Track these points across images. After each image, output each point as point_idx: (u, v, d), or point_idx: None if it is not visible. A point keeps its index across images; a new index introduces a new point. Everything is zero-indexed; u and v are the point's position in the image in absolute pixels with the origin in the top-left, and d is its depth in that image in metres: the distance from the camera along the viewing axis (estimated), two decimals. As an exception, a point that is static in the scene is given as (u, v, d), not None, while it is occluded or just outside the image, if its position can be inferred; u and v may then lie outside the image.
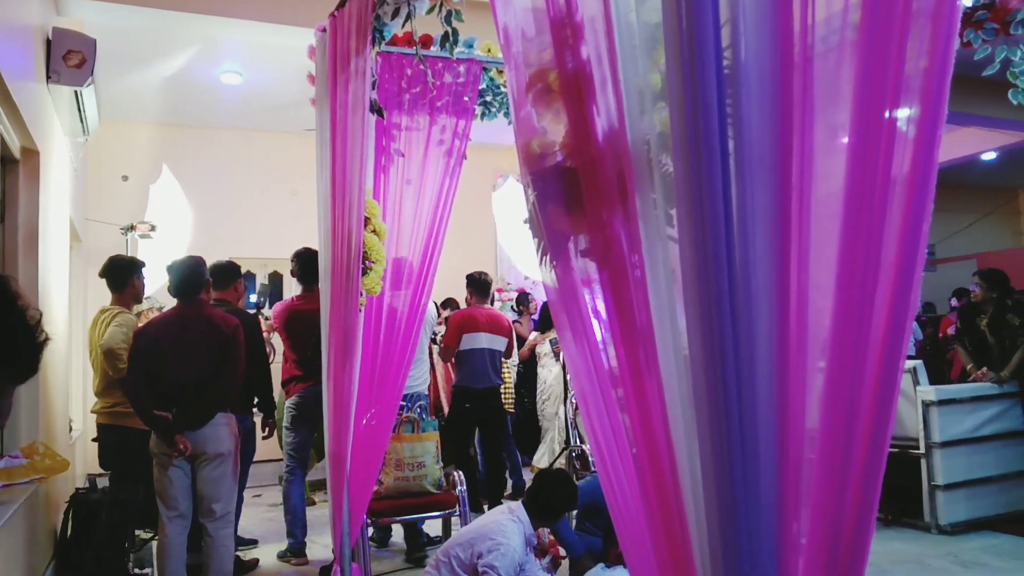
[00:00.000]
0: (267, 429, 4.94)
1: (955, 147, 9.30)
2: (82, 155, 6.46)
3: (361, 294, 2.98)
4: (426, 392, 4.98)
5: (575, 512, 4.20)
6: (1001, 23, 3.06)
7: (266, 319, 5.46)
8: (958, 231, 12.16)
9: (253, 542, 5.06)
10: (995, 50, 3.08)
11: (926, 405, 4.98)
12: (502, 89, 3.78)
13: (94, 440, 4.43)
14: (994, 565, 4.27)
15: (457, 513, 4.27)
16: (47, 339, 1.08)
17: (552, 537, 3.99)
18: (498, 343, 5.41)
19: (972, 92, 6.77)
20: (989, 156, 9.90)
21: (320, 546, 4.93)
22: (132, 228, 6.24)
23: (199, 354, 3.72)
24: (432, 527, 5.18)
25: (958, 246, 12.04)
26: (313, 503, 6.20)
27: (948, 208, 12.02)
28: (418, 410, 4.39)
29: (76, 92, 4.75)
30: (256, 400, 4.80)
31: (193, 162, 7.59)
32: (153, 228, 6.28)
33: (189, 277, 3.83)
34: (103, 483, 4.59)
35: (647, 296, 1.27)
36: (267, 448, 5.75)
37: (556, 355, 6.09)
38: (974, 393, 5.14)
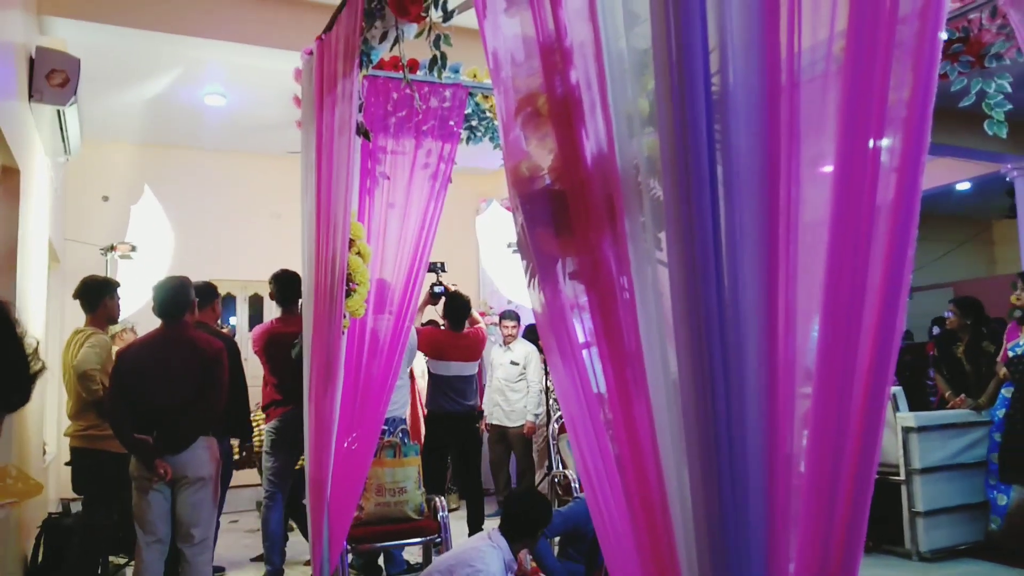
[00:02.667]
0: (243, 453, 4.87)
1: (931, 177, 9.44)
2: (63, 175, 6.41)
3: (344, 316, 2.96)
4: (405, 417, 4.92)
5: (558, 539, 4.17)
6: (976, 56, 3.14)
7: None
8: (934, 260, 12.32)
9: (220, 569, 4.96)
10: (971, 82, 3.15)
11: (906, 431, 5.01)
12: (488, 114, 3.80)
13: (67, 464, 4.34)
14: (975, 592, 4.28)
15: (439, 539, 4.22)
16: (43, 368, 1.06)
17: (534, 564, 3.95)
18: (468, 369, 5.37)
19: (948, 123, 6.90)
20: (964, 186, 10.06)
21: (298, 573, 4.85)
22: (112, 249, 6.18)
23: (182, 377, 3.67)
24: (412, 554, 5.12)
25: (934, 274, 12.19)
26: (292, 529, 6.10)
27: (924, 237, 12.18)
28: (400, 434, 4.34)
29: (59, 111, 4.73)
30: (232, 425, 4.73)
31: (175, 183, 7.54)
32: (133, 249, 6.22)
33: (174, 298, 3.78)
34: (77, 508, 4.50)
35: (636, 319, 1.28)
36: (245, 473, 5.67)
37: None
38: (953, 420, 5.18)
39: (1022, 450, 4.77)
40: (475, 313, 5.70)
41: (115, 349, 4.30)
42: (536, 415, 6.20)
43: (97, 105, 6.40)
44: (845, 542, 1.22)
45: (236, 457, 4.99)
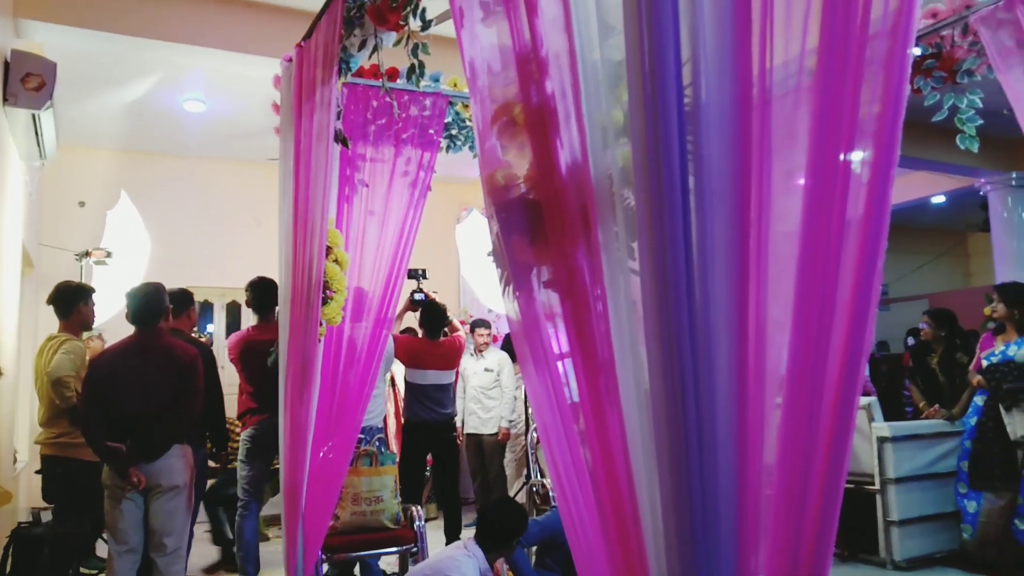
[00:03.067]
0: (219, 463, 4.82)
1: (906, 190, 9.58)
2: (38, 179, 6.34)
3: (321, 324, 2.94)
4: (381, 425, 4.89)
5: (535, 548, 4.16)
6: (948, 71, 3.20)
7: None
8: (910, 272, 12.48)
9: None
10: (943, 97, 3.20)
11: (881, 441, 5.05)
12: (467, 123, 3.81)
13: (38, 472, 4.27)
14: (947, 601, 4.32)
15: (415, 549, 4.19)
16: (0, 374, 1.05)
17: (511, 573, 3.93)
18: (445, 377, 5.36)
19: (922, 138, 7.02)
20: (939, 200, 10.21)
21: (273, 583, 4.80)
22: (87, 254, 6.11)
23: (157, 384, 3.63)
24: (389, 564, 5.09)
25: (911, 286, 12.35)
26: (267, 538, 6.04)
27: (901, 249, 12.36)
28: (377, 443, 4.32)
29: (34, 116, 4.68)
30: (208, 433, 4.68)
31: (153, 189, 7.48)
32: (109, 255, 6.15)
33: (148, 304, 3.73)
34: (47, 517, 4.43)
35: (608, 328, 1.28)
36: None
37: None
38: (927, 430, 5.23)
39: (992, 457, 4.83)
40: (455, 321, 5.69)
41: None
42: (510, 421, 6.20)
43: (75, 110, 6.34)
44: (814, 551, 1.23)
45: (215, 466, 4.93)
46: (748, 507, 1.19)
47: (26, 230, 5.54)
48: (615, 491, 1.28)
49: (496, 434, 6.15)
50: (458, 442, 5.78)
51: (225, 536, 5.33)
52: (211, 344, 6.09)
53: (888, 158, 1.33)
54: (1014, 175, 8.40)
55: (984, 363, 4.95)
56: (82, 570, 4.72)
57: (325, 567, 4.31)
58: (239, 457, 4.71)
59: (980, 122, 3.12)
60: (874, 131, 1.35)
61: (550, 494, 4.99)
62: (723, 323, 1.18)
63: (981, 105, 3.13)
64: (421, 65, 2.47)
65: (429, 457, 5.62)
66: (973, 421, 4.98)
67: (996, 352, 4.91)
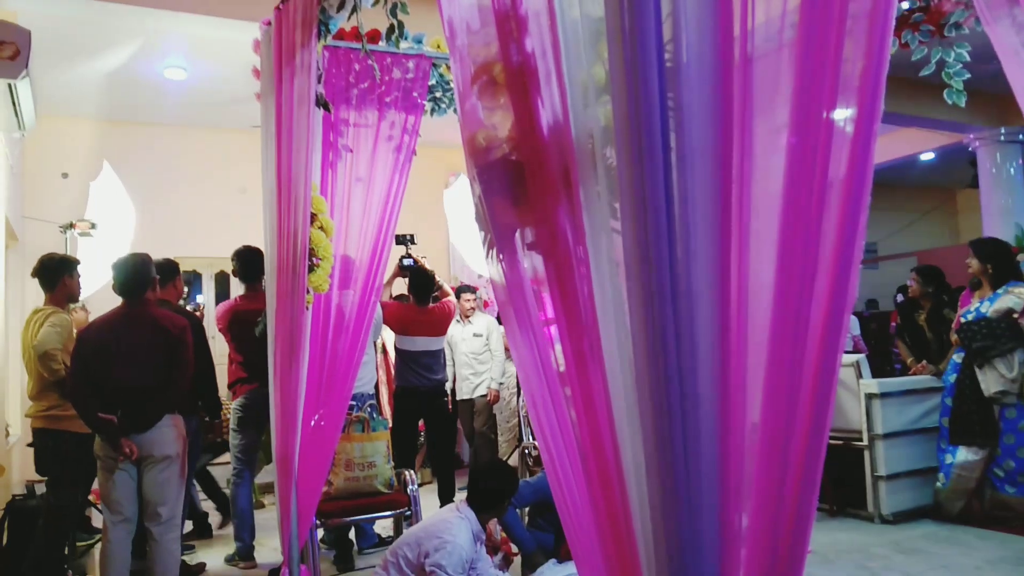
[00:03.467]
0: (213, 431, 4.84)
1: (895, 147, 9.57)
2: (19, 151, 6.25)
3: (308, 292, 2.93)
4: (372, 392, 4.91)
5: (527, 509, 4.21)
6: (936, 25, 3.16)
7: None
8: (899, 229, 12.52)
9: (190, 547, 4.95)
10: (931, 51, 3.17)
11: (869, 398, 5.11)
12: (451, 85, 3.76)
13: (30, 445, 4.28)
14: (933, 551, 4.40)
15: (408, 512, 4.24)
16: None
17: (504, 534, 3.99)
18: (435, 344, 5.36)
19: (911, 94, 6.99)
20: (927, 156, 10.21)
21: (269, 549, 4.85)
22: (72, 226, 6.05)
23: (145, 356, 3.62)
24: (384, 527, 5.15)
25: (899, 244, 12.39)
26: (262, 506, 6.09)
27: (889, 207, 12.38)
28: (368, 409, 4.34)
29: (10, 85, 4.59)
30: (200, 402, 4.69)
31: (136, 159, 7.40)
32: (93, 226, 6.09)
33: (135, 276, 3.71)
34: (41, 489, 4.45)
35: (592, 289, 1.28)
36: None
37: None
38: (914, 386, 5.29)
39: (971, 414, 4.92)
40: (446, 286, 5.68)
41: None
42: (500, 383, 6.25)
43: (53, 79, 6.23)
44: (797, 507, 1.25)
45: (218, 439, 4.95)
46: (730, 464, 1.20)
47: (9, 202, 5.48)
48: (600, 451, 1.29)
49: (486, 396, 6.21)
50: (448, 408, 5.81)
51: (197, 508, 5.37)
52: (203, 315, 6.06)
53: (871, 115, 1.32)
54: (1003, 130, 8.39)
55: (961, 320, 4.99)
56: (77, 541, 4.76)
57: (320, 532, 4.36)
58: (231, 426, 4.74)
59: (967, 76, 3.10)
60: (857, 87, 1.33)
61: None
62: (705, 282, 1.18)
63: (968, 59, 3.10)
64: (400, 25, 2.43)
65: (422, 423, 5.66)
66: (952, 378, 5.04)
67: (972, 309, 4.95)
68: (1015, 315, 4.74)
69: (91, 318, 4.46)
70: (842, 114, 1.33)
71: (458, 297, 6.23)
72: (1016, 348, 4.74)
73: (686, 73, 1.19)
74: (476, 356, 6.29)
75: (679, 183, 1.17)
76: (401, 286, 6.13)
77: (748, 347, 1.23)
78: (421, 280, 5.30)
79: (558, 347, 1.39)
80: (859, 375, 5.17)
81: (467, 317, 6.31)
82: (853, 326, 7.95)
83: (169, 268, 4.58)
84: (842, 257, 1.29)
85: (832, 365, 1.29)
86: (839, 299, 1.29)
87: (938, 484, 5.04)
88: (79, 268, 4.37)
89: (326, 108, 2.80)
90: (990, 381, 4.82)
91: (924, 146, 9.59)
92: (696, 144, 1.19)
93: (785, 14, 1.31)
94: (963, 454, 4.91)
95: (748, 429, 1.24)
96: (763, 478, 1.24)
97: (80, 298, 4.69)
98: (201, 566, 4.62)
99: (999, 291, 4.85)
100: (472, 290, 6.42)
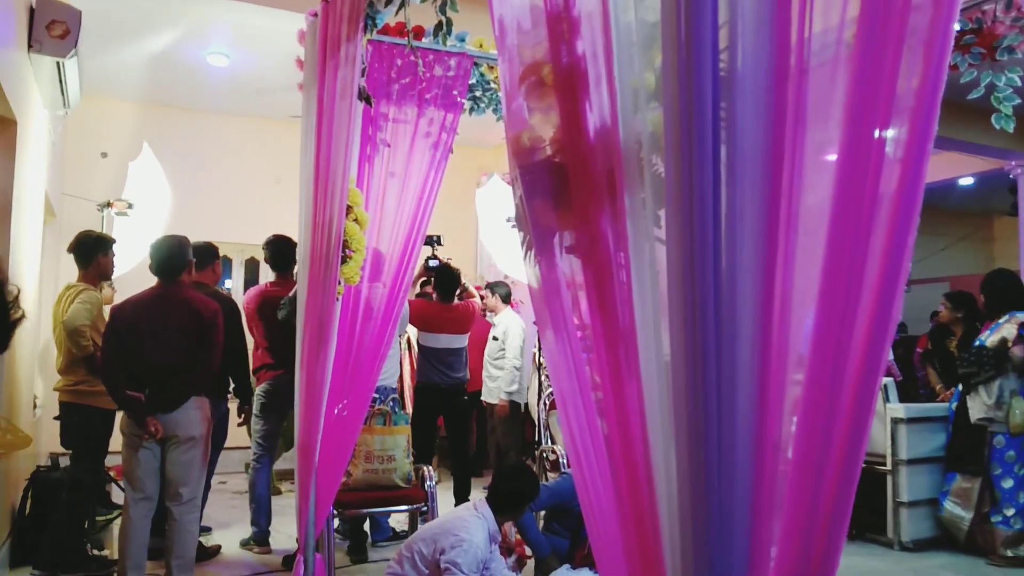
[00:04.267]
0: (242, 415, 4.86)
1: (934, 171, 9.39)
2: (61, 128, 6.35)
3: (339, 283, 2.94)
4: (395, 386, 4.92)
5: (543, 513, 4.19)
6: (988, 48, 3.10)
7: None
8: (933, 254, 12.32)
9: (207, 529, 4.98)
10: (981, 74, 3.11)
11: (895, 422, 5.03)
12: (492, 85, 3.76)
13: (56, 418, 4.35)
14: (952, 583, 4.33)
15: (425, 508, 4.24)
16: (22, 316, 1.05)
17: (519, 536, 3.98)
18: (458, 341, 5.35)
19: (954, 116, 6.87)
20: (966, 181, 10.03)
21: (284, 536, 4.88)
22: (109, 205, 6.13)
23: (176, 337, 3.66)
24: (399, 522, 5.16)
25: (932, 268, 12.19)
26: (279, 492, 6.14)
27: (924, 231, 12.14)
28: (391, 403, 4.35)
29: (58, 63, 4.67)
30: (232, 386, 4.73)
31: (175, 143, 7.49)
32: (130, 206, 6.17)
33: (171, 257, 3.76)
34: (66, 462, 4.51)
35: (631, 297, 1.26)
36: (235, 435, 5.67)
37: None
38: (941, 413, 5.21)
39: (962, 440, 4.94)
40: (471, 288, 5.69)
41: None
42: (508, 393, 6.11)
43: (98, 60, 6.32)
44: (828, 530, 1.22)
45: (239, 423, 4.96)
46: (764, 482, 1.18)
47: (49, 179, 5.56)
48: (630, 461, 1.28)
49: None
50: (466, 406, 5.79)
51: None
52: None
53: (924, 134, 1.30)
54: (1046, 159, 8.21)
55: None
56: (97, 516, 4.82)
57: (336, 522, 4.38)
58: (253, 411, 4.77)
59: (1017, 101, 3.04)
60: (911, 107, 1.30)
61: (560, 461, 5.02)
62: (748, 296, 1.16)
63: (1020, 83, 3.04)
64: (449, 22, 2.43)
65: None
66: (954, 406, 5.01)
67: (981, 338, 4.92)
68: (1009, 344, 4.69)
69: (117, 297, 4.51)
70: (894, 132, 1.31)
71: (494, 293, 6.24)
72: (997, 376, 4.71)
73: (740, 83, 1.17)
74: (491, 359, 6.26)
75: (727, 195, 1.15)
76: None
77: (788, 365, 1.21)
78: (447, 277, 5.31)
79: (592, 349, 1.37)
80: (886, 399, 5.10)
81: (493, 312, 6.30)
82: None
83: (208, 251, 4.62)
84: (887, 279, 1.27)
85: (871, 387, 1.27)
86: (882, 321, 1.27)
87: (940, 513, 4.99)
88: (114, 247, 4.43)
89: (368, 102, 2.81)
90: (975, 408, 4.85)
91: (963, 170, 9.42)
92: (746, 156, 1.17)
93: (843, 24, 1.29)
94: (958, 481, 4.89)
95: (783, 447, 1.22)
96: (795, 497, 1.22)
97: (112, 277, 4.75)
98: (216, 548, 4.66)
99: (1001, 320, 4.81)
100: (489, 287, 6.42)
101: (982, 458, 4.79)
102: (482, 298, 6.46)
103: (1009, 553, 4.60)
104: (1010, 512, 4.62)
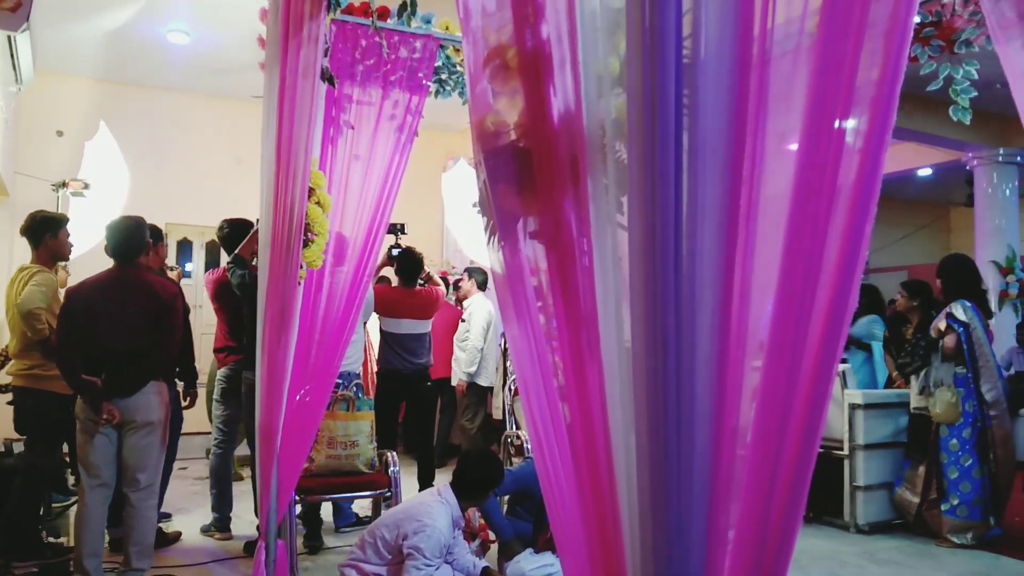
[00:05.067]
0: (188, 399, 4.77)
1: (893, 161, 9.58)
2: (14, 106, 6.17)
3: (301, 267, 2.91)
4: (359, 371, 4.89)
5: (507, 497, 4.21)
6: (947, 41, 3.16)
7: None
8: (891, 243, 12.57)
9: (167, 515, 4.92)
10: (939, 67, 3.17)
11: (852, 408, 5.14)
12: (458, 68, 3.74)
13: (10, 403, 4.25)
14: (905, 563, 4.44)
15: (388, 494, 4.24)
16: None
17: (483, 521, 3.99)
18: (420, 327, 5.32)
19: (914, 108, 7.00)
20: (925, 172, 10.24)
21: (245, 522, 4.84)
22: (64, 185, 5.98)
23: (134, 320, 3.59)
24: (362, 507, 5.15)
25: (891, 258, 12.45)
26: (241, 478, 6.08)
27: (883, 220, 12.41)
28: (354, 388, 4.32)
29: (9, 38, 4.54)
30: (177, 369, 4.65)
31: (133, 122, 7.32)
32: (87, 186, 6.03)
33: (129, 239, 3.68)
34: (20, 448, 4.42)
35: (593, 282, 1.27)
36: (196, 421, 5.60)
37: None
38: (898, 399, 5.33)
39: (912, 427, 5.13)
40: (436, 276, 5.67)
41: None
42: (468, 374, 6.18)
43: (53, 35, 6.15)
44: (784, 512, 1.24)
45: (184, 405, 4.87)
46: (722, 467, 1.20)
47: (1, 158, 5.41)
48: (591, 446, 1.28)
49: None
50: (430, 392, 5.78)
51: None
52: (180, 279, 6.02)
53: (883, 125, 1.31)
54: (1001, 151, 8.42)
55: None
56: (53, 502, 4.74)
57: (298, 508, 4.35)
58: (215, 396, 4.71)
59: (974, 94, 3.10)
60: (871, 97, 1.32)
61: (524, 446, 5.04)
62: (708, 283, 1.17)
63: (976, 77, 3.10)
64: (413, 3, 2.40)
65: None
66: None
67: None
68: (942, 334, 4.84)
69: (71, 280, 4.41)
70: (854, 122, 1.33)
71: (471, 277, 6.25)
72: (924, 367, 4.88)
73: (703, 70, 1.18)
74: (459, 342, 6.28)
75: (689, 182, 1.15)
76: (385, 272, 6.12)
77: (747, 350, 1.23)
78: (409, 262, 5.27)
79: (554, 334, 1.37)
80: (844, 385, 5.20)
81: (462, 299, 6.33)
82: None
83: (152, 232, 4.53)
84: (845, 266, 1.29)
85: (828, 373, 1.29)
86: (840, 308, 1.29)
87: (894, 496, 5.14)
88: (68, 227, 4.32)
89: (331, 82, 2.77)
90: (914, 395, 5.06)
91: (922, 161, 9.61)
92: (708, 143, 1.18)
93: (806, 15, 1.30)
94: (910, 466, 5.05)
95: (741, 432, 1.24)
96: (753, 481, 1.23)
97: (71, 258, 4.64)
98: (177, 535, 4.61)
99: (944, 310, 4.95)
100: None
101: (925, 445, 4.92)
102: (457, 283, 6.45)
103: (956, 540, 4.73)
104: (955, 501, 4.75)
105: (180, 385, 4.71)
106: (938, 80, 3.18)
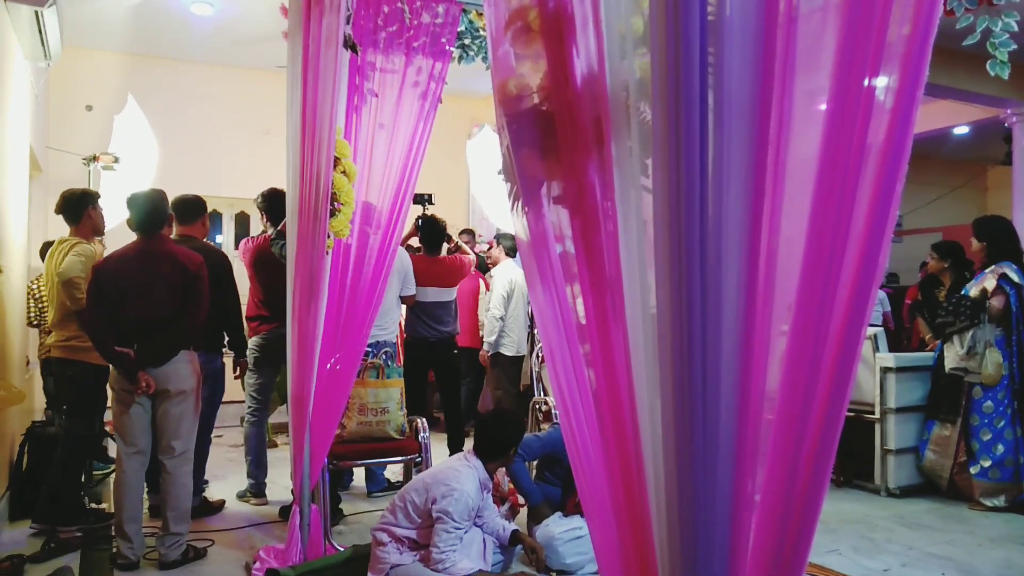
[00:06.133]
0: (238, 369, 4.83)
1: (929, 119, 9.34)
2: (44, 81, 6.23)
3: (328, 236, 2.93)
4: (394, 341, 4.92)
5: (535, 463, 4.25)
6: (985, -8, 3.06)
7: None
8: (926, 204, 12.30)
9: (204, 482, 5.02)
10: (976, 20, 3.07)
11: (884, 371, 5.08)
12: (481, 32, 3.70)
13: (50, 374, 4.35)
14: (936, 526, 4.42)
15: (419, 459, 4.29)
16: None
17: (512, 485, 4.04)
18: (445, 295, 5.32)
19: (950, 64, 6.79)
20: (962, 131, 9.97)
21: (280, 487, 4.94)
22: (95, 159, 6.05)
23: (160, 291, 3.64)
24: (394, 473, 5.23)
25: (925, 218, 12.19)
26: (275, 445, 6.19)
27: (917, 180, 12.13)
28: (384, 356, 4.36)
29: (37, 13, 4.56)
30: (227, 339, 4.71)
31: (160, 94, 7.37)
32: (116, 160, 6.09)
33: (151, 211, 3.72)
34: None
35: (618, 246, 1.26)
36: (231, 390, 5.69)
37: None
38: (930, 362, 5.26)
39: (939, 389, 5.03)
40: (464, 245, 5.66)
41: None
42: (489, 343, 6.08)
43: (80, 10, 6.18)
44: (810, 477, 1.24)
45: (235, 376, 4.89)
46: (748, 431, 1.19)
47: (33, 133, 5.48)
48: (617, 410, 1.29)
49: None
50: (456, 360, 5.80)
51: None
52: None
53: (915, 82, 1.27)
54: (1042, 107, 8.15)
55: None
56: (94, 470, 4.87)
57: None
58: (248, 365, 4.78)
59: (1013, 46, 3.00)
60: (902, 54, 1.28)
61: (552, 411, 5.07)
62: (735, 246, 1.16)
63: (1016, 28, 3.00)
64: (434, -32, 2.37)
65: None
66: (936, 355, 5.07)
67: (966, 288, 4.95)
68: (988, 294, 4.72)
69: (106, 253, 4.48)
70: (884, 80, 1.29)
71: (499, 243, 6.20)
72: (971, 327, 4.74)
73: (729, 28, 1.15)
74: (485, 310, 6.28)
75: (714, 143, 1.14)
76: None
77: (773, 313, 1.22)
78: (433, 230, 5.27)
79: (579, 299, 1.37)
80: (876, 348, 5.14)
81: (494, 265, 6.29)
82: (884, 301, 7.89)
83: (196, 205, 4.56)
84: (874, 227, 1.26)
85: (856, 336, 1.27)
86: (868, 270, 1.27)
87: (921, 461, 5.08)
88: (100, 202, 4.38)
89: (354, 50, 2.76)
90: (949, 357, 4.91)
91: (958, 119, 9.35)
92: (734, 103, 1.15)
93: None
94: (936, 429, 4.97)
95: (767, 396, 1.23)
96: (779, 445, 1.23)
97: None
98: (221, 503, 4.70)
99: (986, 270, 4.82)
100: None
101: (958, 407, 4.85)
102: (488, 249, 6.41)
103: (988, 503, 4.69)
104: (987, 464, 4.69)
105: (229, 355, 4.75)
106: (975, 34, 3.08)
